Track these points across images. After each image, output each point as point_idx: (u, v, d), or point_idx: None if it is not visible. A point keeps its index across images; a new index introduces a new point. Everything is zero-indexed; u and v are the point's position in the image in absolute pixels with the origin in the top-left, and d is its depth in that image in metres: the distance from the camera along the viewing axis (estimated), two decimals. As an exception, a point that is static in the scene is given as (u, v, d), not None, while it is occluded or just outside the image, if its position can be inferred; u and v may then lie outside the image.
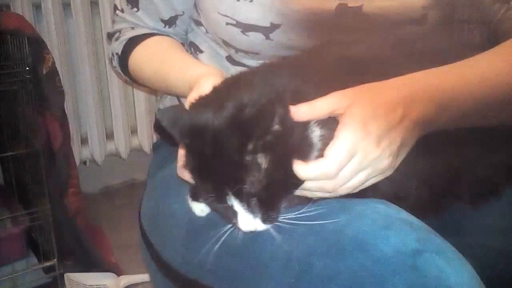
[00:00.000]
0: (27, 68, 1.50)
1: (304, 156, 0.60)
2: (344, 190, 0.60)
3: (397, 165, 0.62)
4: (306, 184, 0.60)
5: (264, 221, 0.60)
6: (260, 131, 0.57)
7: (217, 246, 0.63)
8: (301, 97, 0.61)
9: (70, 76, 1.94)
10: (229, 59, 0.89)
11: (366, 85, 0.62)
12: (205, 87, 0.67)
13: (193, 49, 0.95)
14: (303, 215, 0.60)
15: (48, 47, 1.71)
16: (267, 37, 0.80)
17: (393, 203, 0.64)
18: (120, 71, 0.98)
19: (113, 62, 0.97)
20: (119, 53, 0.94)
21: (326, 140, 0.59)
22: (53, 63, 1.58)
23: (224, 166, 0.58)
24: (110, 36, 0.98)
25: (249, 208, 0.59)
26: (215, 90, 0.66)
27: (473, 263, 0.56)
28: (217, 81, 0.68)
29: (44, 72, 1.54)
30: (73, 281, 1.58)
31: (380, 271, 0.54)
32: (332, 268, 0.56)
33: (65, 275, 1.59)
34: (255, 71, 0.72)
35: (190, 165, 0.63)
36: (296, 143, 0.60)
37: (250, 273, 0.63)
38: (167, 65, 0.86)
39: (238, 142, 0.57)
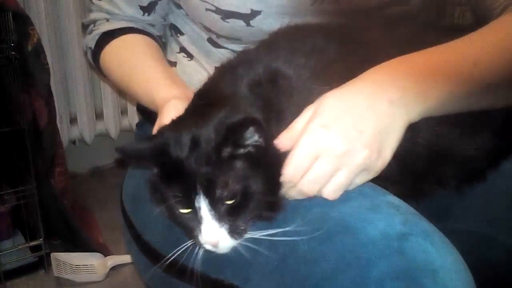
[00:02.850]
0: (12, 45, 1.47)
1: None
2: (329, 193, 0.59)
3: (388, 158, 0.60)
4: (287, 193, 0.60)
5: (231, 232, 0.57)
6: (240, 136, 0.56)
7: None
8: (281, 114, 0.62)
9: (59, 54, 1.91)
10: (211, 41, 0.87)
11: (340, 86, 0.61)
12: (169, 116, 0.67)
13: (173, 31, 0.93)
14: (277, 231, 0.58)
15: (37, 23, 1.68)
16: (248, 24, 0.78)
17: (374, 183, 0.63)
18: (93, 65, 0.95)
19: (87, 55, 0.94)
20: (92, 48, 0.91)
21: None
22: (39, 39, 1.54)
23: (198, 164, 0.56)
24: (84, 27, 0.95)
25: (217, 214, 0.56)
26: (188, 110, 0.66)
27: (457, 249, 0.55)
28: (182, 106, 0.69)
29: (29, 48, 1.51)
30: (59, 260, 1.57)
31: (366, 254, 0.53)
32: (317, 251, 0.56)
33: (51, 254, 1.58)
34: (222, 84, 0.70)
35: (157, 175, 0.60)
36: (276, 159, 0.59)
37: (233, 256, 0.62)
38: (135, 78, 0.83)
39: (217, 141, 0.56)
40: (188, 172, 0.56)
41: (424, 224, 0.56)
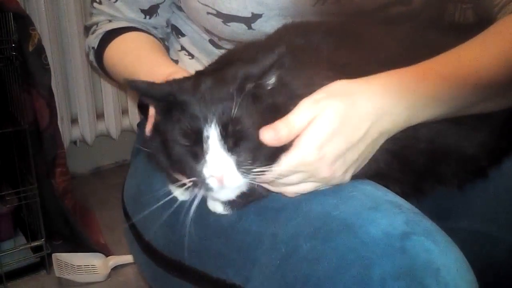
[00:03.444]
0: (13, 45, 1.46)
1: None
2: (290, 194, 0.60)
3: (350, 176, 0.61)
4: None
5: (238, 164, 0.55)
6: (265, 74, 0.56)
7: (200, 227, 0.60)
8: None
9: (60, 54, 1.91)
10: (212, 42, 0.87)
11: (339, 86, 0.59)
12: None
13: (174, 32, 0.92)
14: None
15: (37, 24, 1.68)
16: (249, 27, 0.79)
17: (375, 181, 0.63)
18: (96, 66, 0.94)
19: (90, 56, 0.94)
20: (95, 47, 0.90)
21: None
22: (39, 40, 1.54)
23: (215, 95, 0.55)
24: (87, 29, 0.94)
25: (226, 145, 0.54)
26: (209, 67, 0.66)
27: (460, 248, 0.55)
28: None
29: (31, 49, 1.50)
30: (61, 261, 1.56)
31: (368, 253, 0.53)
32: (318, 250, 0.56)
33: (53, 255, 1.58)
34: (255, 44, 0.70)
35: (162, 113, 0.59)
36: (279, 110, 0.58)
37: (235, 255, 0.62)
38: (138, 64, 0.82)
39: (240, 74, 0.56)
40: (201, 106, 0.55)
41: (426, 223, 0.56)
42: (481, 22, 0.77)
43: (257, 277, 0.60)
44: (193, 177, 0.56)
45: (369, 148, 0.60)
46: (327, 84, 0.59)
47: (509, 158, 0.73)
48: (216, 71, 0.60)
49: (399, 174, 0.66)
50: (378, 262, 0.52)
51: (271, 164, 0.57)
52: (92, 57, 0.93)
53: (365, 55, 0.67)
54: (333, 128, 0.56)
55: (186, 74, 0.69)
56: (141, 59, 0.83)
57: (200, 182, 0.56)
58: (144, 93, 0.60)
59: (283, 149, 0.57)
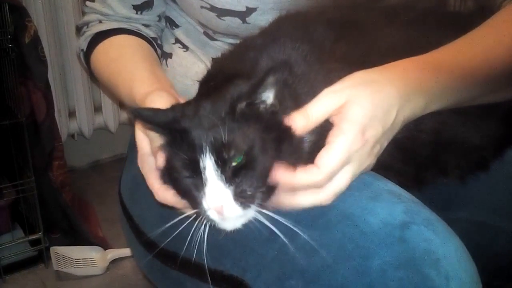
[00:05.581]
0: (9, 37, 1.45)
1: (291, 151, 0.56)
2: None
3: None
4: (298, 200, 0.56)
5: (236, 196, 0.53)
6: (260, 86, 0.53)
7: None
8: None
9: (57, 47, 1.89)
10: (207, 35, 0.86)
11: (359, 76, 0.57)
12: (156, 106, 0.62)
13: (169, 23, 0.91)
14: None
15: (33, 15, 1.67)
16: (244, 21, 0.78)
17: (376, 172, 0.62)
18: (87, 68, 0.93)
19: (80, 57, 0.92)
20: (84, 49, 0.89)
21: (315, 140, 0.57)
22: (36, 31, 1.53)
23: (208, 124, 0.53)
24: (78, 29, 0.93)
25: (222, 175, 0.53)
26: (198, 94, 0.64)
27: (460, 238, 0.55)
28: (167, 98, 0.64)
29: (27, 41, 1.49)
30: (59, 254, 1.56)
31: (367, 243, 0.53)
32: (317, 240, 0.55)
33: (51, 248, 1.58)
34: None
35: (168, 144, 0.58)
36: (286, 135, 0.56)
37: (232, 246, 0.62)
38: (119, 77, 0.80)
39: (234, 95, 0.54)
40: (197, 134, 0.54)
41: (426, 213, 0.55)
42: (482, 11, 0.76)
43: (255, 268, 0.59)
44: (196, 208, 0.56)
45: (394, 133, 0.59)
46: (332, 77, 0.58)
47: (511, 148, 0.72)
48: (215, 91, 0.58)
49: (401, 165, 0.65)
50: (378, 252, 0.52)
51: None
52: (82, 58, 0.92)
53: (366, 46, 0.67)
54: (369, 112, 0.55)
55: (161, 92, 0.67)
56: (121, 74, 0.80)
57: (202, 214, 0.55)
58: (148, 121, 0.59)
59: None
